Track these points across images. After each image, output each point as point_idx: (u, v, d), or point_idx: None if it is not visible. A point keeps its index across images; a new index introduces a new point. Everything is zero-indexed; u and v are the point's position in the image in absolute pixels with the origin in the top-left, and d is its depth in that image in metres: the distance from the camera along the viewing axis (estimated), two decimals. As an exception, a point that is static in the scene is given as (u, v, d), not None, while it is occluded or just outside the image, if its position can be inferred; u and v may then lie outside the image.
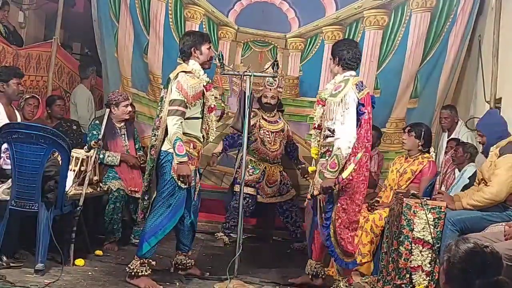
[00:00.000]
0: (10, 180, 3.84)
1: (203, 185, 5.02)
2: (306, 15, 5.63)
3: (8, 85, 4.18)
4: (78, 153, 4.29)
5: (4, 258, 3.80)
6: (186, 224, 3.97)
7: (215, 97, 3.99)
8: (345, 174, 3.59)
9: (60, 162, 3.91)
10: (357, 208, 3.74)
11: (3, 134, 3.74)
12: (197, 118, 3.83)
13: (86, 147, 4.36)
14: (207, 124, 3.92)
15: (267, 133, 5.25)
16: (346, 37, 5.56)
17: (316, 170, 3.90)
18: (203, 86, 3.82)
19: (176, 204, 3.74)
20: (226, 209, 5.43)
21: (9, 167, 3.86)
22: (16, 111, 4.33)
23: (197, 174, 3.96)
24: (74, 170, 4.23)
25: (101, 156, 4.71)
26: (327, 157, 3.76)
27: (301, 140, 5.69)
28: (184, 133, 3.69)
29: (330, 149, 3.74)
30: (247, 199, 5.15)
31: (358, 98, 3.65)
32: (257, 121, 5.25)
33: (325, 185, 3.61)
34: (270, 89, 5.22)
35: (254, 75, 4.12)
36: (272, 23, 5.68)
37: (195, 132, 3.83)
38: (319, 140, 3.92)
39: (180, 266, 4.08)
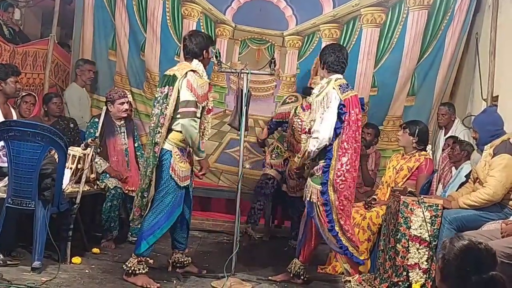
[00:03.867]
0: (6, 178, 3.83)
1: (200, 183, 5.04)
2: (303, 13, 5.63)
3: (5, 83, 4.16)
4: (75, 151, 4.29)
5: (1, 256, 3.80)
6: (184, 221, 3.98)
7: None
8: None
9: (57, 160, 3.91)
10: (350, 202, 3.81)
11: None
12: (198, 118, 3.83)
13: (83, 144, 4.36)
14: (204, 124, 3.91)
15: (300, 122, 4.89)
16: (343, 34, 5.59)
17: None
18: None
19: (174, 202, 3.75)
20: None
21: (5, 165, 3.85)
22: (12, 109, 4.32)
23: (192, 172, 3.95)
24: (71, 168, 4.24)
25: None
26: (317, 159, 3.79)
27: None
28: None
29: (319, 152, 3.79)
30: (269, 179, 5.11)
31: (341, 99, 3.68)
32: (296, 107, 4.97)
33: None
34: None
35: (251, 73, 4.12)
36: (270, 21, 5.67)
37: None
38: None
39: (177, 264, 4.08)
